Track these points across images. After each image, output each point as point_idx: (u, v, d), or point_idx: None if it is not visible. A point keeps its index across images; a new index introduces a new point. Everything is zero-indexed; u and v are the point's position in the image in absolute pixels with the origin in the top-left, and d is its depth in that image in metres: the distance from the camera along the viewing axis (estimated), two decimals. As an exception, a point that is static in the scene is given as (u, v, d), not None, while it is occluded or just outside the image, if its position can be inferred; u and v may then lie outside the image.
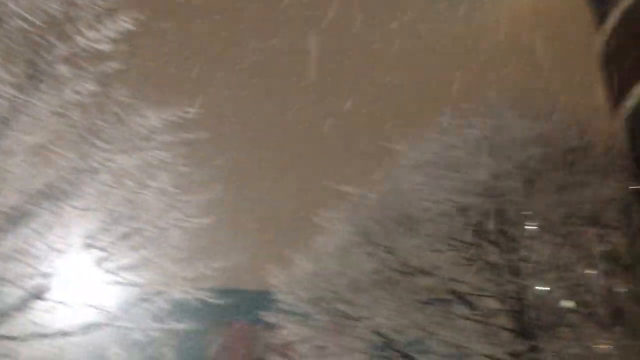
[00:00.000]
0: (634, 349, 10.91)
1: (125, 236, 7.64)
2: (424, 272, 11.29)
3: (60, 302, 7.55)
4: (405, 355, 11.33)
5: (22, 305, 7.33)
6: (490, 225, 10.85)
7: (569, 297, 11.08)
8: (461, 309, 11.49)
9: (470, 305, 11.38)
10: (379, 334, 11.36)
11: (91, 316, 7.86)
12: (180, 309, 9.07)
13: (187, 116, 7.51)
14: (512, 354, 10.68)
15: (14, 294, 7.37)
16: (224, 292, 9.78)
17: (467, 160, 10.61)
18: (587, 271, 11.06)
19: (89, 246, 7.30)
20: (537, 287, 11.14)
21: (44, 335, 7.71)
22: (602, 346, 12.23)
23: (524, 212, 10.61)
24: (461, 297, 11.44)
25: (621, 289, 11.50)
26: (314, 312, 11.70)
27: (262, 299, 12.80)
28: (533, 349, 10.33)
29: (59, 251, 7.15)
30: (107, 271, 7.66)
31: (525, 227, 10.85)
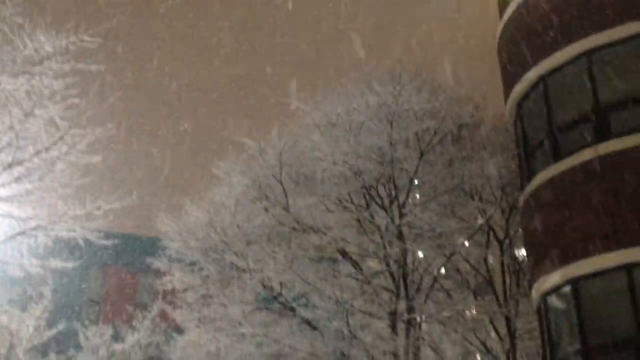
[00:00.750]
0: (501, 315, 11.90)
1: (7, 165, 7.27)
2: (315, 231, 11.61)
3: None
4: (291, 308, 11.68)
5: None
6: (382, 190, 11.30)
7: (446, 264, 11.82)
8: (347, 268, 11.98)
9: (355, 265, 11.88)
10: (267, 286, 11.60)
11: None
12: (63, 246, 8.82)
13: (84, 45, 7.17)
14: (390, 313, 11.31)
15: None
16: (110, 235, 9.61)
17: (367, 125, 10.93)
18: (465, 241, 11.85)
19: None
20: (418, 253, 11.80)
21: None
22: (472, 311, 13.24)
23: (414, 181, 11.12)
24: (348, 257, 11.91)
25: (492, 260, 12.43)
26: (204, 262, 11.74)
27: (150, 244, 12.68)
28: (410, 309, 10.96)
29: None
30: (-15, 201, 7.30)
31: (414, 194, 11.40)
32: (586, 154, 8.17)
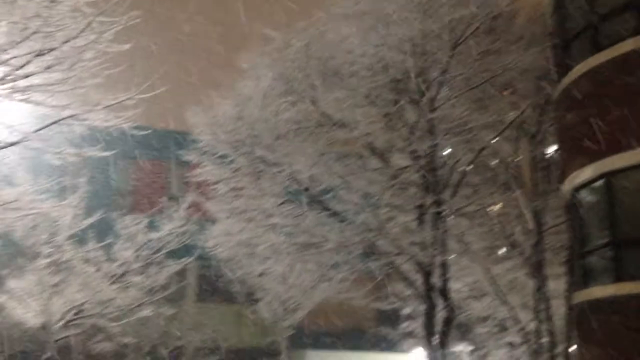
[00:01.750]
0: (528, 210, 12.02)
1: (36, 53, 7.27)
2: (343, 125, 11.60)
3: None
4: (320, 201, 11.91)
5: None
6: (412, 84, 11.10)
7: (475, 159, 11.79)
8: (375, 163, 12.06)
9: (383, 160, 11.94)
10: (295, 180, 11.77)
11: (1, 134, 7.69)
12: (97, 137, 8.98)
13: None
14: (417, 207, 11.49)
15: None
16: (142, 127, 9.72)
17: (398, 15, 10.56)
18: (493, 136, 11.74)
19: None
20: (446, 147, 11.77)
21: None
22: (496, 207, 13.39)
23: (446, 74, 10.87)
24: (376, 152, 11.95)
25: (521, 155, 12.37)
26: (234, 155, 11.89)
27: (181, 137, 12.85)
28: (437, 203, 11.09)
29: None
30: (19, 90, 7.38)
31: (445, 88, 11.18)
32: (628, 45, 7.87)
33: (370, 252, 11.70)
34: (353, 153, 12.37)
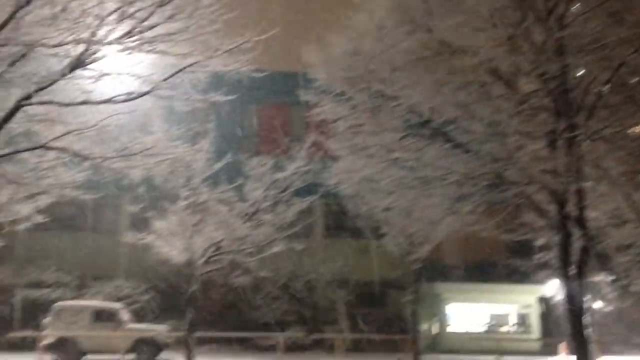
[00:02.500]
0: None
1: (158, 4, 7.59)
2: (464, 52, 11.05)
3: (102, 71, 7.84)
4: (442, 133, 11.59)
5: (67, 73, 7.64)
6: (538, 0, 10.29)
7: (612, 78, 10.81)
8: (500, 89, 11.44)
9: (509, 85, 11.29)
10: (415, 112, 11.52)
11: (133, 85, 8.19)
12: (221, 82, 9.31)
13: None
14: (549, 133, 10.84)
15: (58, 61, 7.67)
16: (261, 70, 9.90)
17: None
18: (632, 51, 10.64)
19: (124, 14, 7.33)
20: (579, 67, 10.89)
21: (91, 102, 8.16)
22: (637, 129, 12.28)
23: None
24: (500, 78, 11.31)
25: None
26: (351, 91, 11.83)
27: (298, 78, 12.95)
28: (571, 127, 10.40)
29: (98, 18, 7.24)
30: (145, 41, 7.78)
31: (575, 3, 10.25)
32: None
33: (498, 182, 11.30)
34: (475, 81, 11.80)
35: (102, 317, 20.32)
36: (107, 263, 26.01)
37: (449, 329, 27.47)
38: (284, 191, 17.63)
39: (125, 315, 21.11)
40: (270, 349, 22.32)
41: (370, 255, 25.14)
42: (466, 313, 27.73)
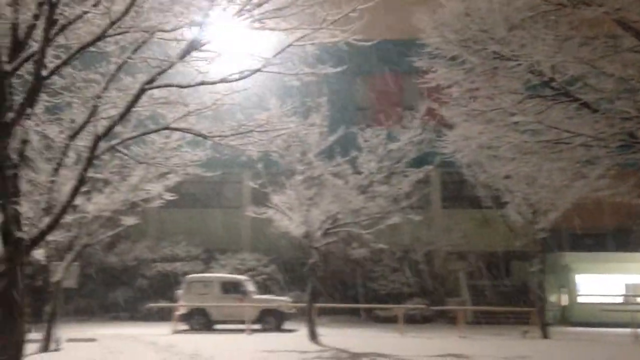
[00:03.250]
0: None
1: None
2: (588, 4, 10.21)
3: (215, 52, 8.08)
4: (565, 93, 10.85)
5: (184, 56, 7.95)
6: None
7: None
8: (630, 42, 10.49)
9: (641, 36, 10.31)
10: (536, 72, 10.85)
11: (246, 63, 8.38)
12: (330, 55, 9.29)
13: None
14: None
15: (174, 45, 8.01)
16: (370, 40, 9.72)
17: None
18: None
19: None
20: None
21: (208, 83, 8.46)
22: None
23: None
24: (631, 29, 10.35)
25: None
26: (465, 54, 11.34)
27: (409, 45, 12.61)
28: None
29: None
30: (255, 18, 7.91)
31: None
32: None
33: (630, 143, 10.43)
34: (602, 34, 10.89)
35: (229, 288, 21.44)
36: (232, 237, 27.31)
37: (579, 301, 26.11)
38: (398, 162, 17.44)
39: (250, 287, 22.11)
40: (391, 320, 22.42)
41: (491, 225, 24.33)
42: (597, 283, 26.18)
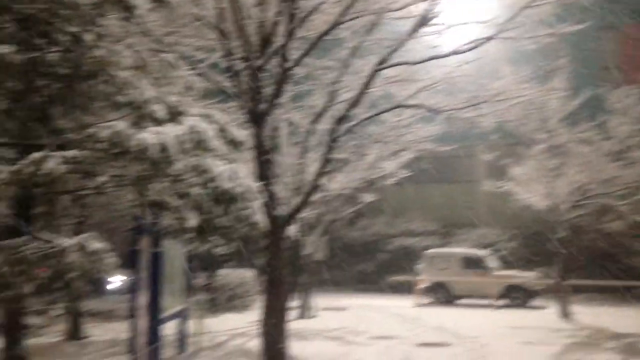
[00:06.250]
0: None
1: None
2: None
3: (445, 24, 7.97)
4: None
5: (414, 33, 7.99)
6: None
7: None
8: None
9: None
10: None
11: (477, 32, 8.11)
12: (568, 11, 8.52)
13: None
14: None
15: (403, 23, 8.09)
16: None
17: None
18: None
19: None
20: None
21: (440, 57, 8.39)
22: None
23: None
24: None
25: None
26: None
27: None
28: None
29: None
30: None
31: None
32: None
33: None
34: None
35: (470, 263, 21.17)
36: (468, 212, 26.87)
37: None
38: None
39: (492, 262, 21.57)
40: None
41: None
42: None
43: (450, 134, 13.31)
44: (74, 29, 4.78)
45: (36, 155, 4.67)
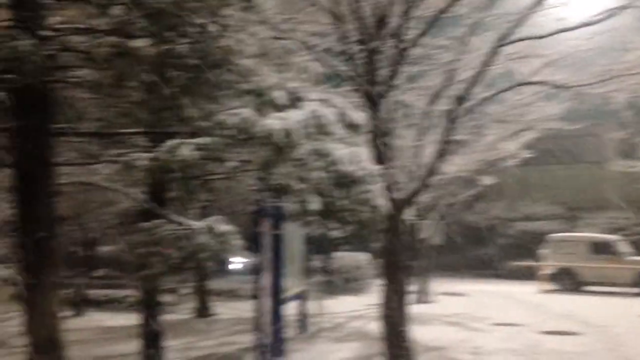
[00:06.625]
0: None
1: None
2: None
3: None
4: None
5: (537, 5, 7.57)
6: None
7: None
8: None
9: None
10: None
11: (608, 1, 7.54)
12: None
13: None
14: None
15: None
16: None
17: None
18: None
19: None
20: None
21: (567, 30, 7.89)
22: None
23: None
24: None
25: None
26: None
27: None
28: None
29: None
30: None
31: None
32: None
33: None
34: None
35: (600, 249, 19.93)
36: (596, 194, 25.22)
37: None
38: None
39: (624, 247, 20.18)
40: None
41: None
42: None
43: (577, 111, 12.54)
44: (200, 21, 5.00)
45: (172, 142, 4.98)
